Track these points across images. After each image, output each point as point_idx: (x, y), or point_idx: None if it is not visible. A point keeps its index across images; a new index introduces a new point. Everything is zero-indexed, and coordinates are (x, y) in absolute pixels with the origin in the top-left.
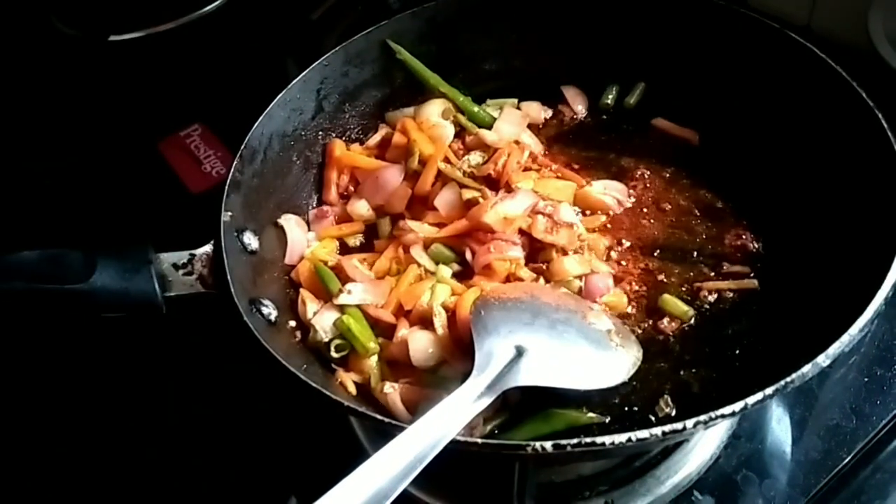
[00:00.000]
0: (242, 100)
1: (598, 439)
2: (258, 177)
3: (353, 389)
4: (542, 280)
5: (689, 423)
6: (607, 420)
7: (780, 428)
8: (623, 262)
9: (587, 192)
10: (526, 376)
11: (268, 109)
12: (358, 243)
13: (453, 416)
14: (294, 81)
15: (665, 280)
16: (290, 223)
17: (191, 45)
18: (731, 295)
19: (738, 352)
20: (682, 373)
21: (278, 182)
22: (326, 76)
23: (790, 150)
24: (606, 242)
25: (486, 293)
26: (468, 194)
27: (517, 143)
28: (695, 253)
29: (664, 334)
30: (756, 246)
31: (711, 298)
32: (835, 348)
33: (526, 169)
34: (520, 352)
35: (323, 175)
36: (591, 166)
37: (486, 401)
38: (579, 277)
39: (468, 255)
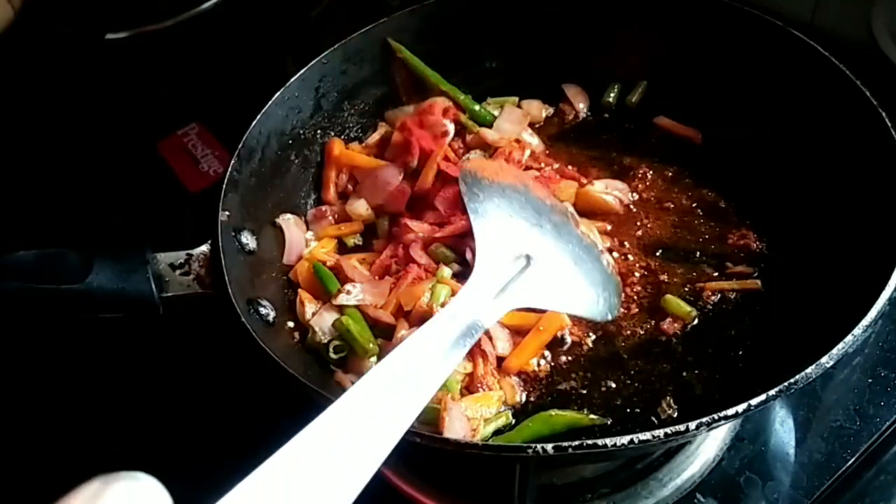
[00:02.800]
0: (240, 98)
1: (600, 441)
2: (256, 176)
3: None
4: None
5: (692, 424)
6: (609, 422)
7: (783, 430)
8: (625, 262)
9: (588, 192)
10: (527, 294)
11: (266, 108)
12: (357, 243)
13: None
14: (292, 80)
15: (667, 280)
16: (289, 223)
17: (188, 44)
18: (734, 295)
19: (741, 353)
20: (684, 374)
21: (276, 181)
22: (325, 74)
23: (793, 149)
24: (608, 243)
25: (473, 167)
26: None
27: (518, 141)
28: (697, 253)
29: (666, 335)
30: (759, 246)
31: (714, 299)
32: (838, 349)
33: (527, 168)
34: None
35: (321, 174)
36: (593, 165)
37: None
38: None
39: (468, 255)
